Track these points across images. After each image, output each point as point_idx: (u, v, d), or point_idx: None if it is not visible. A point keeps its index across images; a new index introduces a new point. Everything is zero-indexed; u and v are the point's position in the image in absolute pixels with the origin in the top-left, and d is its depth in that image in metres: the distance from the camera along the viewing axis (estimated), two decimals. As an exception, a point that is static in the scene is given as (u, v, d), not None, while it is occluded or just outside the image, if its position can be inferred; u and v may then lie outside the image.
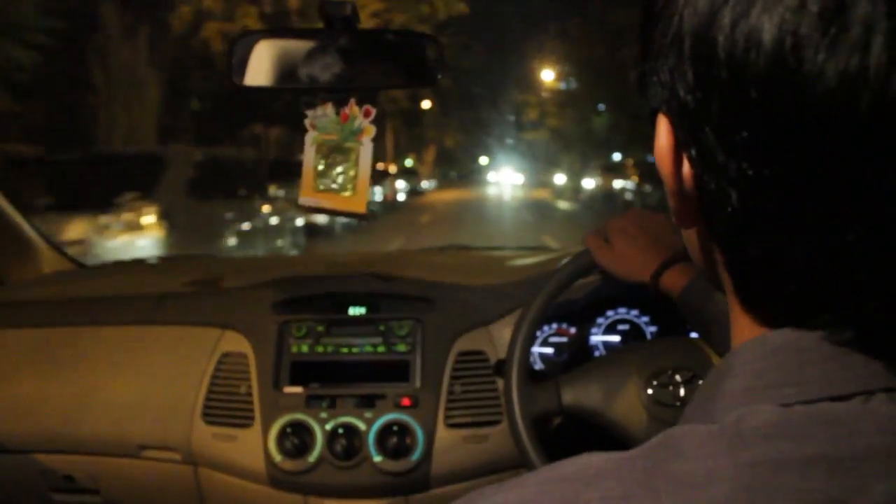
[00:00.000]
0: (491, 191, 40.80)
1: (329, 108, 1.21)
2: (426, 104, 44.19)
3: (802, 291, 0.41)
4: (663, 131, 0.45)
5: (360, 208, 1.18)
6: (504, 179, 50.00)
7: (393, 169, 26.00)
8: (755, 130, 0.38)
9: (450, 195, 35.17)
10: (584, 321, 1.51)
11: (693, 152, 0.43)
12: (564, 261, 1.24)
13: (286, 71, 1.19)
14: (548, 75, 42.62)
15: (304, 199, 1.21)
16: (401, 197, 25.13)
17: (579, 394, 1.17)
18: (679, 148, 0.44)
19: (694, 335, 1.45)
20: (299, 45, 1.18)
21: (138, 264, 1.95)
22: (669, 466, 0.39)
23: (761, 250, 0.41)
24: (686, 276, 1.10)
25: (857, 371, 0.39)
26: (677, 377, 1.15)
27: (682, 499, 0.38)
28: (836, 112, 0.36)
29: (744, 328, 0.46)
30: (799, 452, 0.37)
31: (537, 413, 1.17)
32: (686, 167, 0.44)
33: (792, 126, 0.37)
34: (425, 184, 39.20)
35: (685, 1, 0.42)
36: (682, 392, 1.14)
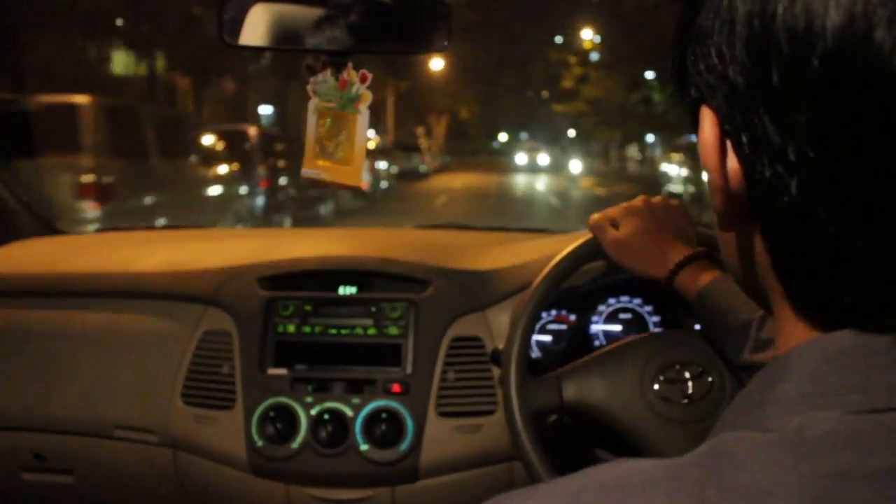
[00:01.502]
0: (518, 179, 29.72)
1: (329, 74, 1.16)
2: (437, 64, 37.29)
3: (868, 290, 0.38)
4: (708, 123, 0.42)
5: (356, 181, 1.13)
6: (537, 160, 40.60)
7: (372, 144, 18.33)
8: (819, 108, 0.36)
9: (460, 180, 25.39)
10: (585, 308, 1.45)
11: (745, 139, 0.40)
12: (569, 245, 1.18)
13: (284, 31, 1.13)
14: (587, 34, 35.89)
15: (306, 169, 1.17)
16: (384, 184, 18.35)
17: (581, 389, 1.11)
18: (725, 141, 0.42)
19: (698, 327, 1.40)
20: (296, 6, 1.11)
21: (118, 232, 1.88)
22: (725, 477, 0.36)
23: (823, 243, 0.38)
24: (704, 276, 1.03)
25: None
26: (686, 373, 1.09)
27: None
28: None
29: (795, 333, 0.43)
30: (870, 465, 0.34)
31: (537, 408, 1.11)
32: (732, 162, 0.41)
33: (859, 103, 0.35)
34: (423, 167, 28.44)
35: None
36: (689, 388, 1.08)
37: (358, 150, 1.13)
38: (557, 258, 1.15)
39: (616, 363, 1.12)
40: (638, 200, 1.14)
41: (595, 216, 1.14)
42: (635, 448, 1.10)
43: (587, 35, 34.70)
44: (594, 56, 34.69)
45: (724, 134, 0.42)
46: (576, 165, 34.37)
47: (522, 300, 1.15)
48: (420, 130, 40.32)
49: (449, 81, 43.25)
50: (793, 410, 0.38)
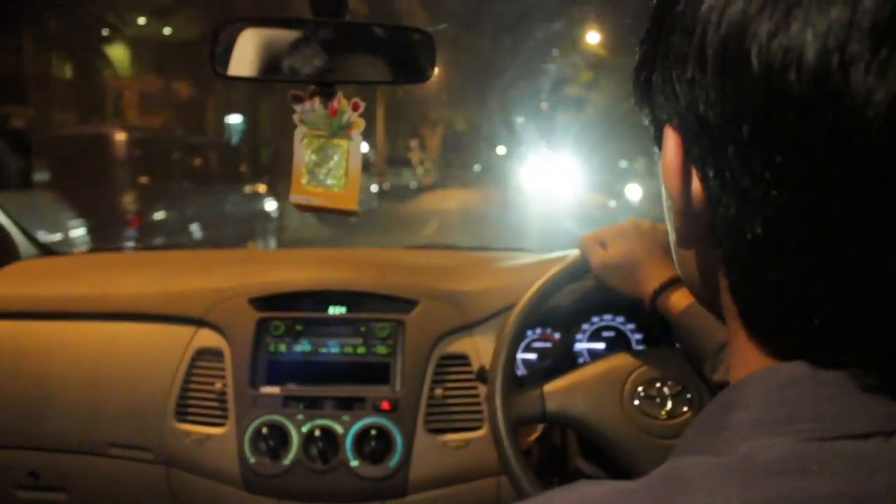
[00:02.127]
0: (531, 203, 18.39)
1: (317, 103, 1.18)
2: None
3: (823, 326, 0.38)
4: (671, 146, 0.42)
5: (352, 205, 1.16)
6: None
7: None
8: (790, 154, 0.35)
9: (455, 199, 22.59)
10: (569, 327, 1.48)
11: (710, 172, 0.40)
12: (555, 265, 1.21)
13: (271, 62, 1.15)
14: (594, 38, 30.49)
15: (295, 196, 1.19)
16: (363, 206, 16.68)
17: (564, 402, 1.15)
18: (688, 164, 0.42)
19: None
20: (286, 36, 1.14)
21: (112, 254, 1.90)
22: (675, 501, 0.36)
23: (782, 280, 0.38)
24: (685, 299, 1.07)
25: (877, 410, 0.37)
26: (665, 389, 1.12)
27: None
28: (885, 139, 0.33)
29: (748, 357, 0.43)
30: (813, 490, 0.35)
31: (520, 419, 1.15)
32: (696, 186, 0.41)
33: (833, 152, 0.34)
34: (413, 182, 28.01)
35: (710, 6, 0.38)
36: (669, 405, 1.12)
37: (352, 175, 1.15)
38: (545, 276, 1.19)
39: (599, 378, 1.16)
40: (627, 223, 1.17)
41: (585, 235, 1.18)
42: (615, 460, 1.13)
43: (594, 38, 30.06)
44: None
45: (688, 159, 0.41)
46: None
47: (509, 317, 1.19)
48: (413, 143, 38.88)
49: (444, 89, 39.97)
50: (744, 437, 0.38)
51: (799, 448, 0.36)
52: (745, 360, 0.43)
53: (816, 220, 0.36)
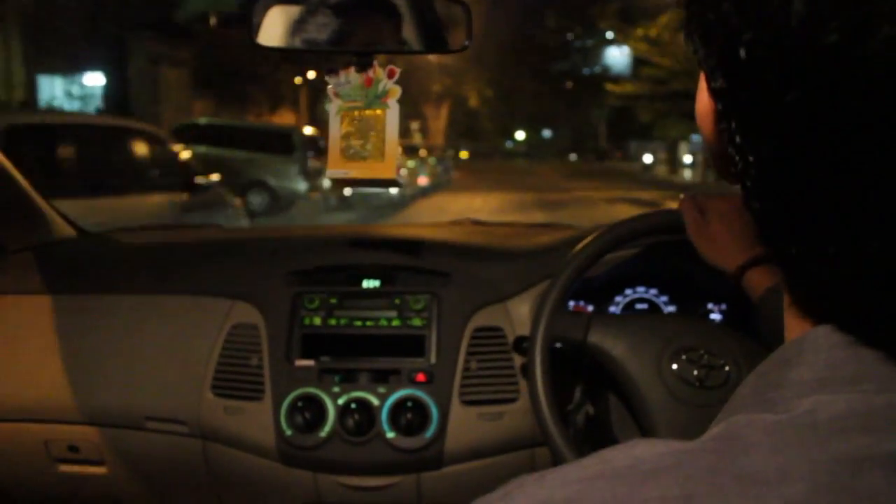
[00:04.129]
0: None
1: (352, 74, 1.19)
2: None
3: (855, 284, 0.37)
4: (703, 89, 0.43)
5: (391, 174, 1.16)
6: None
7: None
8: (756, 106, 0.36)
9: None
10: (602, 299, 1.48)
11: (735, 116, 0.40)
12: (591, 236, 1.21)
13: (307, 32, 1.15)
14: None
15: (332, 170, 1.19)
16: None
17: (606, 337, 1.15)
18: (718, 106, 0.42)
19: (715, 317, 1.43)
20: (321, 6, 1.14)
21: (145, 231, 1.92)
22: (736, 461, 0.35)
23: (792, 230, 0.38)
24: (772, 278, 1.06)
25: None
26: (706, 358, 1.12)
27: (752, 499, 0.34)
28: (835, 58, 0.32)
29: (801, 314, 0.42)
30: (882, 448, 0.34)
31: (561, 337, 1.16)
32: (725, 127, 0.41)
33: (808, 83, 0.34)
34: (401, 182, 16.48)
35: None
36: (705, 374, 1.11)
37: (389, 144, 1.15)
38: (637, 216, 1.20)
39: (645, 328, 1.17)
40: (731, 197, 1.17)
41: (686, 196, 1.18)
42: (637, 411, 1.14)
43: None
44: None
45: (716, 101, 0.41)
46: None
47: (591, 238, 1.19)
48: (414, 126, 31.52)
49: (454, 60, 32.21)
50: (805, 394, 0.37)
51: (863, 404, 0.35)
52: (798, 317, 0.42)
53: (822, 171, 0.35)
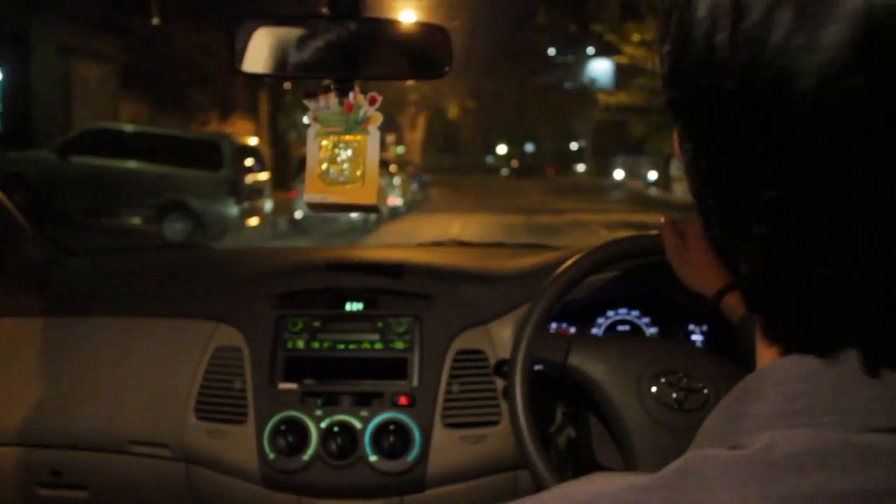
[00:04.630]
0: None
1: (332, 99, 1.19)
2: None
3: (824, 314, 0.38)
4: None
5: (371, 199, 1.17)
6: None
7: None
8: (689, 128, 0.40)
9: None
10: (585, 321, 1.49)
11: (686, 145, 0.42)
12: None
13: (289, 59, 1.16)
14: None
15: (309, 195, 1.19)
16: None
17: (586, 360, 1.16)
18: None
19: (696, 338, 1.44)
20: (303, 33, 1.15)
21: (129, 252, 1.91)
22: (692, 497, 0.35)
23: (749, 262, 0.40)
24: None
25: None
26: (685, 381, 1.13)
27: None
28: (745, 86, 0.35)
29: (767, 345, 0.43)
30: (835, 485, 0.34)
31: (541, 359, 1.16)
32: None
33: (707, 113, 0.37)
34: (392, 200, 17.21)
35: None
36: (684, 397, 1.12)
37: (370, 169, 1.16)
38: (618, 238, 1.22)
39: (625, 350, 1.18)
40: None
41: (666, 220, 1.19)
42: (616, 435, 1.14)
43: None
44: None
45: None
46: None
47: (568, 262, 1.20)
48: (389, 138, 28.06)
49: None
50: (764, 427, 0.37)
51: (820, 440, 0.35)
52: (765, 347, 0.43)
53: (738, 188, 0.38)
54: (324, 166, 1.19)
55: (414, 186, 21.60)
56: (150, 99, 17.36)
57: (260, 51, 1.15)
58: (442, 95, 31.93)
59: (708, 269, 1.13)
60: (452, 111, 35.02)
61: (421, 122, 35.63)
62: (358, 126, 1.18)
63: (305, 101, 1.20)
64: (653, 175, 26.73)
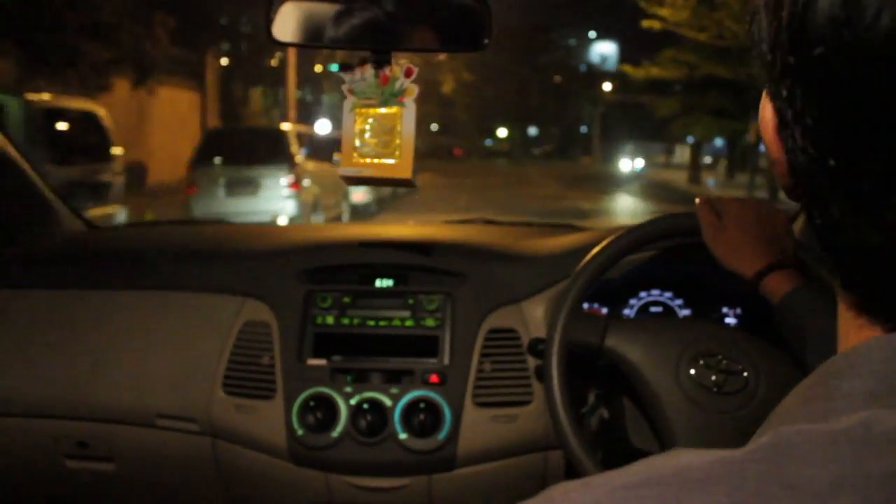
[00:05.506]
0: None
1: (368, 71, 1.17)
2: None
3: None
4: (765, 104, 0.44)
5: (406, 173, 1.15)
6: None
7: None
8: (820, 95, 0.37)
9: None
10: (617, 302, 1.47)
11: (786, 123, 0.41)
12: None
13: (325, 28, 1.14)
14: None
15: (345, 168, 1.17)
16: None
17: (623, 341, 1.14)
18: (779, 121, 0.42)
19: (730, 321, 1.42)
20: (338, 3, 1.13)
21: (155, 226, 1.91)
22: (786, 471, 0.34)
23: (828, 222, 0.39)
24: (791, 283, 1.05)
25: None
26: (724, 363, 1.11)
27: None
28: (881, 69, 0.34)
29: (855, 325, 0.41)
30: None
31: (578, 342, 1.15)
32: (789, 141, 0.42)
33: (852, 88, 0.35)
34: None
35: None
36: (723, 380, 1.11)
37: (405, 143, 1.14)
38: (651, 219, 1.20)
39: (662, 332, 1.16)
40: (748, 200, 1.17)
41: (703, 199, 1.17)
42: (653, 416, 1.13)
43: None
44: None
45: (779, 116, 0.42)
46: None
47: (606, 243, 1.18)
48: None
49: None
50: (857, 407, 0.36)
51: None
52: (852, 327, 0.42)
53: (852, 164, 0.36)
54: (359, 140, 1.18)
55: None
56: (15, 55, 11.77)
57: (297, 20, 1.13)
58: (435, 67, 27.61)
59: (746, 250, 1.10)
60: (447, 85, 29.96)
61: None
62: (394, 99, 1.17)
63: (341, 74, 1.19)
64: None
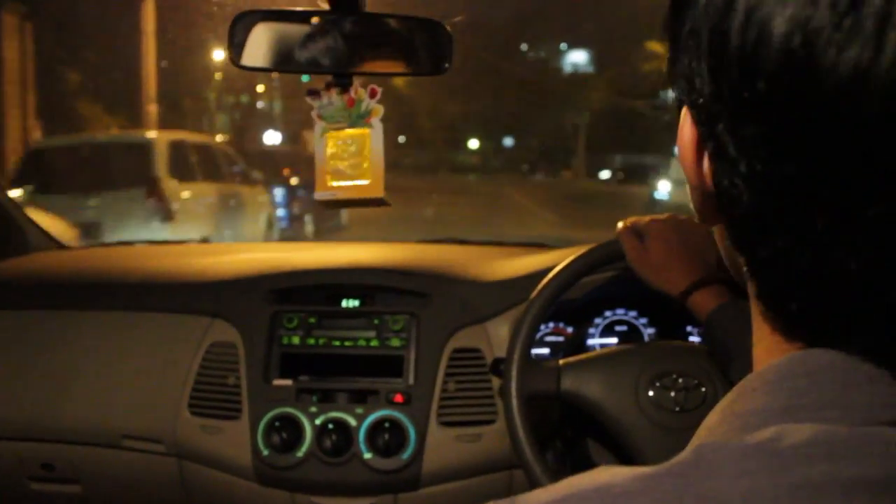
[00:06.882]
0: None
1: (334, 95, 1.19)
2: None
3: (822, 304, 0.39)
4: (686, 124, 0.44)
5: (379, 193, 1.16)
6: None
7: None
8: (763, 126, 0.37)
9: None
10: (582, 321, 1.49)
11: (710, 147, 0.42)
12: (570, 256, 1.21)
13: (288, 53, 1.15)
14: None
15: (320, 193, 1.19)
16: None
17: (579, 382, 1.15)
18: (701, 143, 0.43)
19: (694, 339, 1.44)
20: (302, 27, 1.14)
21: (124, 247, 1.91)
22: (702, 485, 0.36)
23: (772, 253, 0.39)
24: (716, 299, 1.06)
25: None
26: (680, 381, 1.13)
27: None
28: (846, 108, 0.35)
29: (771, 343, 0.43)
30: (842, 474, 0.34)
31: (535, 392, 1.15)
32: (706, 163, 0.43)
33: (801, 122, 0.36)
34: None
35: None
36: (683, 397, 1.12)
37: (375, 163, 1.16)
38: (577, 255, 1.19)
39: (615, 364, 1.17)
40: (668, 217, 1.17)
41: (623, 223, 1.18)
42: (624, 448, 1.13)
43: None
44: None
45: (699, 137, 0.43)
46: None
47: (536, 291, 1.19)
48: (307, 135, 14.47)
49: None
50: (770, 422, 0.38)
51: (827, 433, 0.36)
52: (768, 346, 0.43)
53: (792, 190, 0.37)
54: (332, 163, 1.19)
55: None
56: None
57: (259, 45, 1.14)
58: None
59: (671, 269, 1.12)
60: (401, 83, 24.37)
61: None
62: (361, 120, 1.18)
63: (309, 100, 1.20)
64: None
